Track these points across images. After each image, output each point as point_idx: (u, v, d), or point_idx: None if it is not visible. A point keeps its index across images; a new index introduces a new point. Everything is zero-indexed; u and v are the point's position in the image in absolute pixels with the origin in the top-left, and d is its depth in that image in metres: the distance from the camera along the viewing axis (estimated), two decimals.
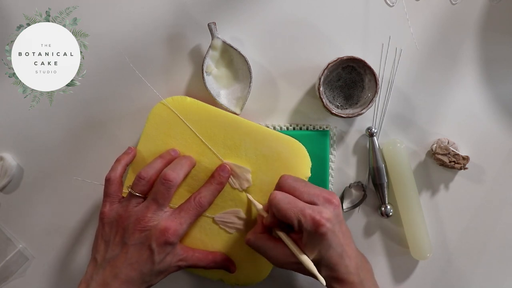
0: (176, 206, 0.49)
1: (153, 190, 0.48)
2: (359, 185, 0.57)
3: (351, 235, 0.47)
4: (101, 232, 0.48)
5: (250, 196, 0.51)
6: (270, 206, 0.45)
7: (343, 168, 0.57)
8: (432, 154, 0.56)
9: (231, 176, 0.51)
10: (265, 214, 0.48)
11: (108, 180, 0.49)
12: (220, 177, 0.50)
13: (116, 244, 0.47)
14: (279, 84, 0.56)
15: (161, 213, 0.47)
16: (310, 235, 0.43)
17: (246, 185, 0.51)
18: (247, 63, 0.53)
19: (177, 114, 0.51)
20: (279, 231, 0.46)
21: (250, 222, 0.52)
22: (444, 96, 0.56)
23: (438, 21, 0.56)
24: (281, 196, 0.44)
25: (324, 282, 0.43)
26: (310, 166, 0.51)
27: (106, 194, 0.49)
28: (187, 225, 0.48)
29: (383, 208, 0.56)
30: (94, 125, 0.57)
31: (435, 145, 0.55)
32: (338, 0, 0.56)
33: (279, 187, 0.46)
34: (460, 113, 0.56)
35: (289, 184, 0.46)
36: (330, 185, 0.56)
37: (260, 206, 0.49)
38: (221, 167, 0.51)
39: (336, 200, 0.45)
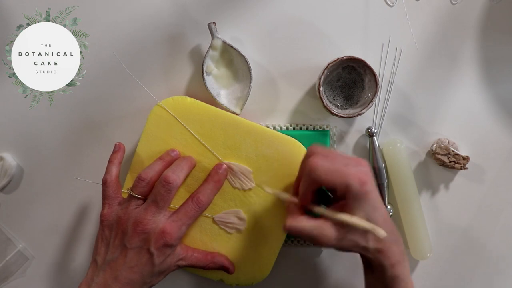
0: (176, 207, 0.49)
1: (153, 192, 0.48)
2: None
3: None
4: (101, 234, 0.48)
5: (268, 189, 0.50)
6: (311, 172, 0.43)
7: None
8: (432, 154, 0.56)
9: (231, 176, 0.51)
10: (295, 200, 0.47)
11: (105, 183, 0.49)
12: (217, 175, 0.50)
13: (115, 247, 0.47)
14: (279, 84, 0.56)
15: (160, 216, 0.47)
16: (356, 196, 0.42)
17: (248, 185, 0.51)
18: (247, 63, 0.53)
19: (175, 116, 0.51)
20: (318, 207, 0.45)
21: (250, 222, 0.52)
22: (444, 96, 0.56)
23: (438, 21, 0.56)
24: (322, 161, 0.43)
25: (384, 234, 0.42)
26: None
27: (105, 196, 0.49)
28: (187, 226, 0.48)
29: None
30: (94, 125, 0.57)
31: (435, 145, 0.55)
32: (338, 0, 0.56)
33: (312, 154, 0.45)
34: (460, 113, 0.56)
35: (321, 149, 0.45)
36: None
37: (285, 195, 0.48)
38: (218, 166, 0.51)
39: (366, 162, 0.45)
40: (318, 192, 0.46)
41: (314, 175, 0.43)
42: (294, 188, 0.48)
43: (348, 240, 0.43)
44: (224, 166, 0.51)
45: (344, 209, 0.44)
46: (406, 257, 0.46)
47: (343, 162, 0.44)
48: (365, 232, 0.43)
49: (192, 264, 0.49)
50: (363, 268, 0.48)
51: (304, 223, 0.44)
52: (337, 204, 0.45)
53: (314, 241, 0.44)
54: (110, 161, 0.51)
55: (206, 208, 0.50)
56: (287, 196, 0.48)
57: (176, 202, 0.49)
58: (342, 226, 0.43)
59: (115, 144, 0.51)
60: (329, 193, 0.48)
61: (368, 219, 0.43)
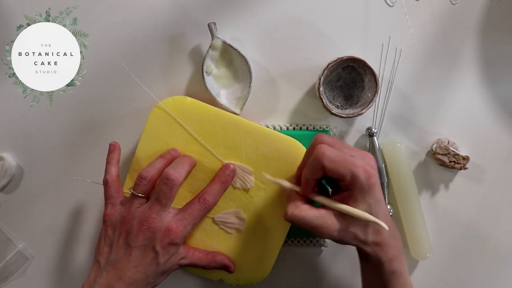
0: (177, 207, 0.49)
1: (155, 190, 0.48)
2: None
3: None
4: (104, 234, 0.48)
5: (270, 177, 0.48)
6: (319, 160, 0.43)
7: None
8: (432, 154, 0.56)
9: None
10: (297, 188, 0.46)
11: (106, 183, 0.49)
12: (225, 176, 0.50)
13: (119, 246, 0.47)
14: (279, 84, 0.56)
15: (165, 214, 0.47)
16: (362, 188, 0.42)
17: (249, 185, 0.51)
18: (247, 63, 0.53)
19: (174, 116, 0.51)
20: (320, 196, 0.45)
21: (250, 222, 0.52)
22: (444, 96, 0.56)
23: (438, 21, 0.56)
24: (330, 150, 0.43)
25: (386, 227, 0.42)
26: None
27: (107, 196, 0.49)
28: (192, 226, 0.48)
29: None
30: (94, 125, 0.57)
31: (435, 145, 0.55)
32: (338, 0, 0.56)
33: (319, 143, 0.45)
34: (460, 113, 0.56)
35: (329, 139, 0.45)
36: None
37: (287, 183, 0.47)
38: (226, 166, 0.51)
39: (372, 156, 0.45)
40: (317, 186, 0.46)
41: (322, 163, 0.43)
42: (296, 178, 0.48)
43: (348, 232, 0.44)
44: (232, 166, 0.50)
45: (345, 200, 0.44)
46: (403, 253, 0.46)
47: (349, 153, 0.44)
48: (365, 225, 0.43)
49: (193, 263, 0.49)
50: (360, 263, 0.48)
51: (306, 212, 0.44)
52: (336, 196, 0.45)
53: (315, 231, 0.44)
54: (108, 162, 0.50)
55: (212, 208, 0.50)
56: (289, 185, 0.47)
57: (177, 202, 0.49)
58: (344, 218, 0.44)
59: (110, 144, 0.51)
60: (328, 187, 0.48)
61: (371, 212, 0.43)
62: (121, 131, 0.56)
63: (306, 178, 0.45)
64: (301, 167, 0.47)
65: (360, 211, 0.43)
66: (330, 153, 0.43)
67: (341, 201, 0.44)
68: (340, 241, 0.44)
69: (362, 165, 0.42)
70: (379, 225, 0.42)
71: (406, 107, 0.56)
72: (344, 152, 0.44)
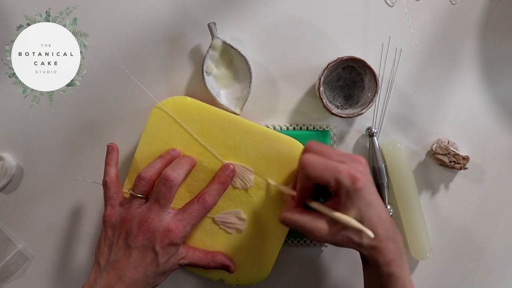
0: (177, 207, 0.49)
1: (154, 190, 0.48)
2: None
3: None
4: (104, 235, 0.48)
5: (271, 181, 0.50)
6: (303, 169, 0.44)
7: None
8: (432, 154, 0.56)
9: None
10: (294, 193, 0.47)
11: (105, 185, 0.49)
12: (224, 176, 0.50)
13: (119, 247, 0.47)
14: (279, 84, 0.56)
15: (164, 214, 0.47)
16: (348, 193, 0.42)
17: (249, 185, 0.51)
18: (247, 63, 0.53)
19: (173, 116, 0.51)
20: (313, 202, 0.46)
21: (250, 222, 0.52)
22: (444, 96, 0.56)
23: (438, 21, 0.56)
24: (313, 158, 0.44)
25: (372, 235, 0.42)
26: None
27: (107, 198, 0.49)
28: (191, 226, 0.48)
29: None
30: (94, 125, 0.57)
31: (435, 145, 0.55)
32: (338, 0, 0.56)
33: (305, 152, 0.46)
34: (460, 113, 0.56)
35: (316, 146, 0.45)
36: None
37: (285, 188, 0.49)
38: (225, 166, 0.51)
39: (363, 159, 0.45)
40: (318, 185, 0.46)
41: (305, 171, 0.43)
42: (293, 182, 0.49)
43: (342, 235, 0.44)
44: (231, 167, 0.51)
45: (336, 205, 0.44)
46: (404, 255, 0.46)
47: (337, 159, 0.44)
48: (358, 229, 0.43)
49: (193, 262, 0.49)
50: (362, 264, 0.48)
51: (298, 215, 0.45)
52: (330, 202, 0.45)
53: (308, 235, 0.45)
54: (106, 163, 0.51)
55: (211, 209, 0.50)
56: (286, 189, 0.49)
57: (176, 202, 0.49)
58: (337, 221, 0.44)
59: (108, 145, 0.51)
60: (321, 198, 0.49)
61: (361, 216, 0.43)
62: (121, 131, 0.56)
63: (299, 186, 0.46)
64: (296, 173, 0.48)
65: (347, 217, 0.43)
66: (311, 161, 0.43)
67: (334, 206, 0.44)
68: (335, 244, 0.45)
69: (346, 170, 0.42)
70: (365, 232, 0.42)
71: (406, 107, 0.57)
72: (332, 158, 0.44)
